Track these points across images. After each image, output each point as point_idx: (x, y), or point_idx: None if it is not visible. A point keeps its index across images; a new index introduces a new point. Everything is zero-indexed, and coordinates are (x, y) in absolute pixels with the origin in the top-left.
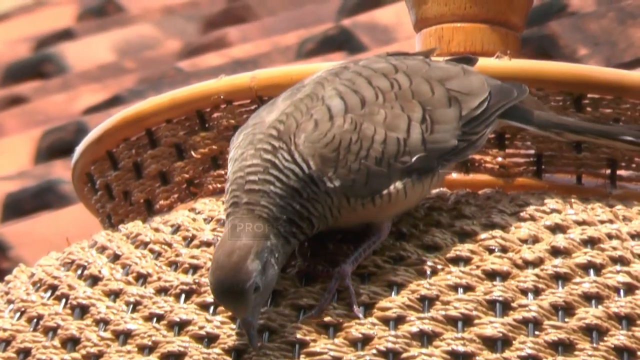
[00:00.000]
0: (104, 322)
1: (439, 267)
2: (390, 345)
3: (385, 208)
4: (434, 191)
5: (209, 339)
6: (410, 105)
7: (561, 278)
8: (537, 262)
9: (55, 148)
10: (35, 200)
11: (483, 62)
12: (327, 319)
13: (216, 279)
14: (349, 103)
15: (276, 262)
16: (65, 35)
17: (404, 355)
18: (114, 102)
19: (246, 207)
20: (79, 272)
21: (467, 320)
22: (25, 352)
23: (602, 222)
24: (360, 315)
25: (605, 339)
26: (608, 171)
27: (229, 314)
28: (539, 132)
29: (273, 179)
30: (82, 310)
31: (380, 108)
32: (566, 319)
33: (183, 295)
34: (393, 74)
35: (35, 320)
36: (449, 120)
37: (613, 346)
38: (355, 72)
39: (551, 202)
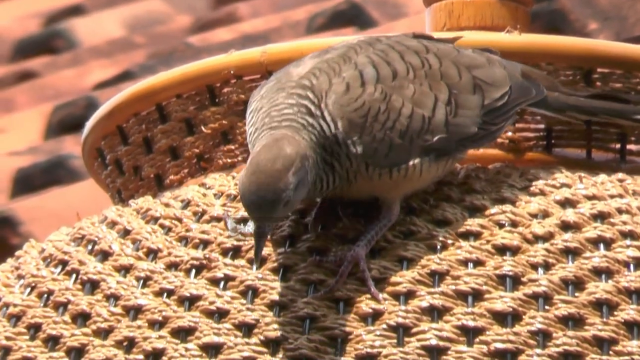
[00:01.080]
0: (114, 298)
1: (449, 241)
2: (400, 320)
3: (400, 183)
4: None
5: (220, 314)
6: (438, 85)
7: (571, 252)
8: (547, 237)
9: (65, 123)
10: (46, 176)
11: (493, 36)
12: (337, 293)
13: (253, 182)
14: (381, 73)
15: (307, 184)
16: (76, 10)
17: (414, 330)
18: (124, 77)
19: (288, 125)
20: (90, 247)
21: (477, 295)
22: (36, 328)
23: (612, 196)
24: (380, 297)
25: (616, 313)
26: (618, 145)
27: (240, 289)
28: (556, 115)
29: (308, 122)
30: (92, 286)
31: (410, 83)
32: (576, 294)
33: (193, 271)
34: (424, 53)
35: (45, 295)
36: (472, 107)
37: (623, 321)
38: (388, 45)
39: (561, 177)
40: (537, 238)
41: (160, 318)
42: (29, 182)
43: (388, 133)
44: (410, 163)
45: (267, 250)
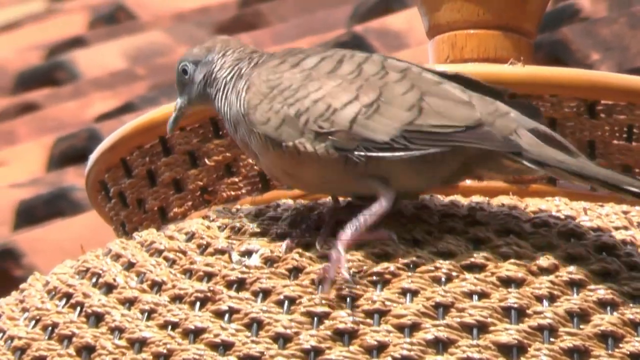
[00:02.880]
0: (118, 330)
1: (454, 274)
2: (405, 352)
3: (296, 164)
4: (448, 199)
5: (224, 347)
6: (368, 89)
7: (576, 285)
8: (552, 269)
9: (67, 155)
10: (48, 208)
11: (496, 68)
12: (341, 326)
13: None
14: (320, 65)
15: (210, 75)
16: (77, 42)
17: None
18: (126, 109)
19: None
20: (94, 280)
21: (482, 327)
22: None
23: (616, 228)
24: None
25: (621, 345)
26: None
27: (244, 321)
28: (535, 167)
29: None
30: (97, 319)
31: (342, 80)
32: (581, 326)
33: (198, 303)
34: (392, 71)
35: (50, 328)
36: (394, 119)
37: (629, 353)
38: (363, 55)
39: (565, 209)
40: (542, 270)
41: (165, 351)
42: (32, 214)
43: (285, 108)
44: (298, 142)
45: (272, 282)
